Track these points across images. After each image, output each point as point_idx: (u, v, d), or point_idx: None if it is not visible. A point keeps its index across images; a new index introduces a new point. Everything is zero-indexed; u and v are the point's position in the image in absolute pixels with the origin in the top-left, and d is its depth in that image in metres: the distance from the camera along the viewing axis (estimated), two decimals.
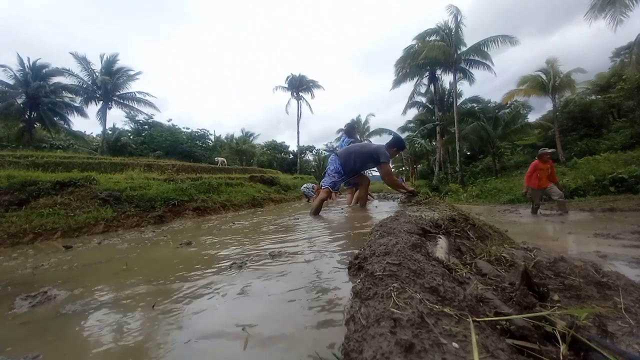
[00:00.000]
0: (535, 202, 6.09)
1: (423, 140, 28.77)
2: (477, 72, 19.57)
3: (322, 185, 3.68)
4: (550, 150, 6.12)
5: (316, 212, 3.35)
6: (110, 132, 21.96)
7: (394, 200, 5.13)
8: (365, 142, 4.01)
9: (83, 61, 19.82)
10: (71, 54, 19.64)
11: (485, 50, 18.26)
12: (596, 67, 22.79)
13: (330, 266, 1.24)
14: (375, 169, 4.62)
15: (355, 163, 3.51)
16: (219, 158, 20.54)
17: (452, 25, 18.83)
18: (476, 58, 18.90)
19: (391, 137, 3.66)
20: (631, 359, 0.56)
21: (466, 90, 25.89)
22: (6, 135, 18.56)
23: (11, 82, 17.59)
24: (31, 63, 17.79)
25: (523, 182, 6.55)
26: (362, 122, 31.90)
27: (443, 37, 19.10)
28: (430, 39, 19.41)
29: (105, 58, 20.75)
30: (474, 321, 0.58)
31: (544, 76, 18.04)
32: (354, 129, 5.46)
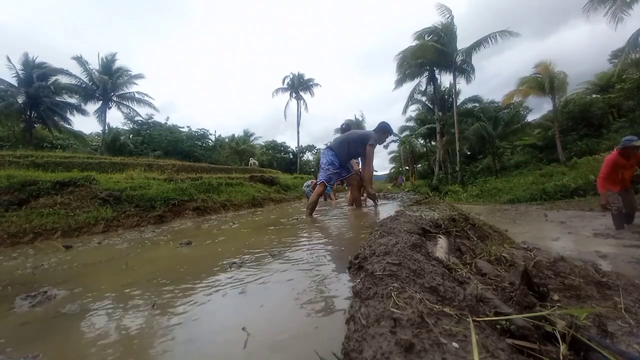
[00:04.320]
0: (621, 207, 3.93)
1: (422, 140, 28.72)
2: (475, 72, 19.64)
3: (317, 181, 3.68)
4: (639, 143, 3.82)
5: (312, 207, 3.32)
6: (106, 132, 21.93)
7: (394, 200, 5.13)
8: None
9: (81, 61, 19.82)
10: (74, 58, 19.67)
11: (483, 48, 18.33)
12: (593, 69, 22.88)
13: (330, 266, 1.24)
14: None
15: (349, 148, 3.58)
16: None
17: (448, 24, 18.87)
18: (471, 59, 19.05)
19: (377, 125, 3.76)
20: (631, 359, 0.56)
21: (466, 90, 25.96)
22: (6, 135, 18.54)
23: (13, 81, 17.61)
24: (36, 62, 17.80)
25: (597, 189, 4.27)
26: (360, 121, 31.94)
27: (441, 37, 19.12)
28: (428, 38, 19.46)
29: (104, 58, 20.77)
30: (474, 321, 0.58)
31: (541, 77, 18.09)
32: (350, 128, 5.42)
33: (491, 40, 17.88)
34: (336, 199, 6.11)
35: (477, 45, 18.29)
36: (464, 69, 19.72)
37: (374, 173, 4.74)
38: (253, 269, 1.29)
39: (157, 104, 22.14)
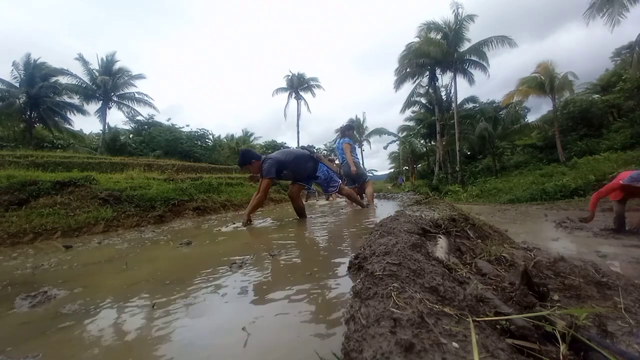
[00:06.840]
0: (622, 212, 4.12)
1: (422, 140, 28.69)
2: (475, 73, 19.68)
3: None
4: None
5: (299, 212, 3.19)
6: (106, 132, 21.95)
7: (393, 200, 5.13)
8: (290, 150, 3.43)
9: (83, 61, 19.87)
10: (75, 59, 19.77)
11: (482, 50, 18.39)
12: (589, 69, 23.06)
13: (330, 265, 1.24)
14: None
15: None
16: None
17: (453, 24, 18.89)
18: (474, 58, 19.05)
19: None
20: (631, 359, 0.56)
21: (465, 90, 26.03)
22: (6, 135, 18.56)
23: (14, 82, 17.64)
24: (37, 63, 17.83)
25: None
26: (361, 122, 31.93)
27: (446, 34, 19.13)
28: (431, 35, 19.49)
29: (104, 58, 20.80)
30: (474, 321, 0.58)
31: (542, 77, 18.12)
32: (350, 129, 5.41)
33: (491, 45, 17.98)
34: (336, 199, 6.11)
35: (483, 44, 18.33)
36: (466, 70, 19.74)
37: (373, 172, 4.71)
38: (253, 269, 1.29)
39: (163, 107, 22.24)
